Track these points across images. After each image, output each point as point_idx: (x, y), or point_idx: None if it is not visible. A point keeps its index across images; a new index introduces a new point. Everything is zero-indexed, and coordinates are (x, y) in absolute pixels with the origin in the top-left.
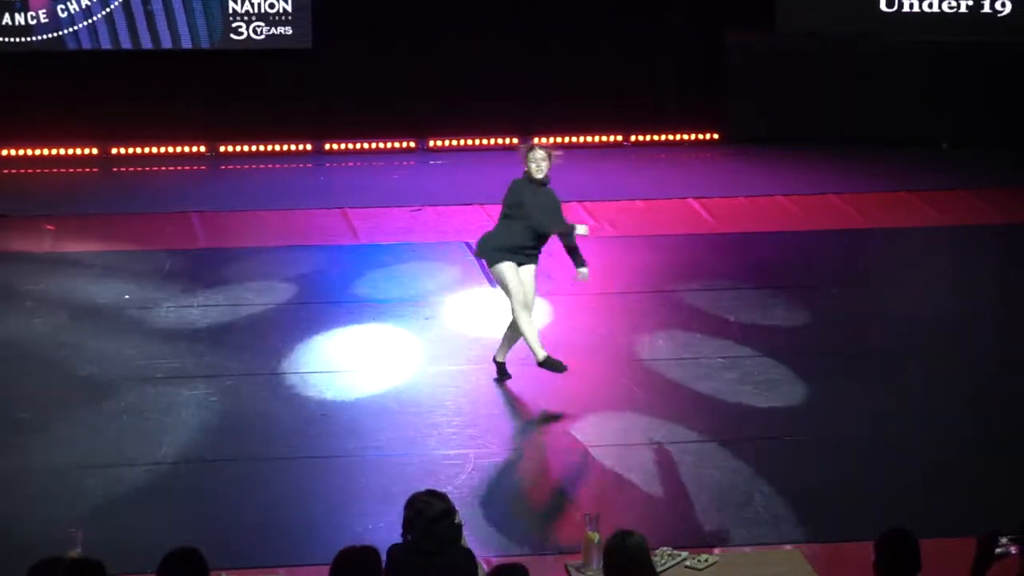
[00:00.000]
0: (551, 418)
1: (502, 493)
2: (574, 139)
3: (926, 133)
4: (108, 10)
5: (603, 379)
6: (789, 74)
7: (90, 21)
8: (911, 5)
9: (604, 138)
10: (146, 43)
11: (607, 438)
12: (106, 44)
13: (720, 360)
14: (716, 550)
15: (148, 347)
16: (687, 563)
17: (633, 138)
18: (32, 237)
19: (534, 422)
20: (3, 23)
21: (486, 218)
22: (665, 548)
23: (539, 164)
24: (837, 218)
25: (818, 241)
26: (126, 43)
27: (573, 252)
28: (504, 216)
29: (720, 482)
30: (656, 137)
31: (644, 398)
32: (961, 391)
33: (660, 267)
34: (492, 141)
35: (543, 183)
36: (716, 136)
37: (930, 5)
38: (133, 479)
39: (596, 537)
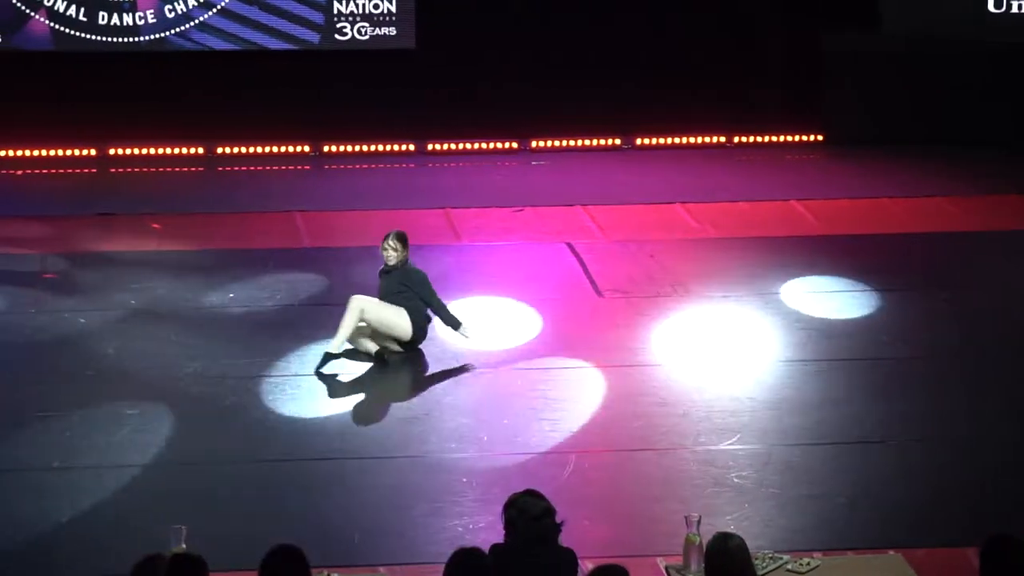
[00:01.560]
0: (654, 418)
1: (602, 493)
2: (677, 140)
3: None
4: (214, 11)
5: (706, 380)
6: (893, 75)
7: (196, 22)
8: (1020, 6)
9: (707, 139)
10: (250, 43)
11: (710, 439)
12: (212, 44)
13: (826, 362)
14: (817, 554)
15: (251, 345)
16: (788, 567)
17: (736, 139)
18: (137, 235)
19: (636, 423)
20: (111, 23)
21: (587, 219)
22: (766, 551)
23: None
24: (942, 220)
25: (922, 243)
26: (231, 43)
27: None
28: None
29: (824, 484)
30: (759, 138)
31: (749, 399)
32: None
33: (762, 269)
34: (595, 142)
35: (391, 269)
36: (820, 137)
37: None
38: (236, 476)
39: (697, 539)
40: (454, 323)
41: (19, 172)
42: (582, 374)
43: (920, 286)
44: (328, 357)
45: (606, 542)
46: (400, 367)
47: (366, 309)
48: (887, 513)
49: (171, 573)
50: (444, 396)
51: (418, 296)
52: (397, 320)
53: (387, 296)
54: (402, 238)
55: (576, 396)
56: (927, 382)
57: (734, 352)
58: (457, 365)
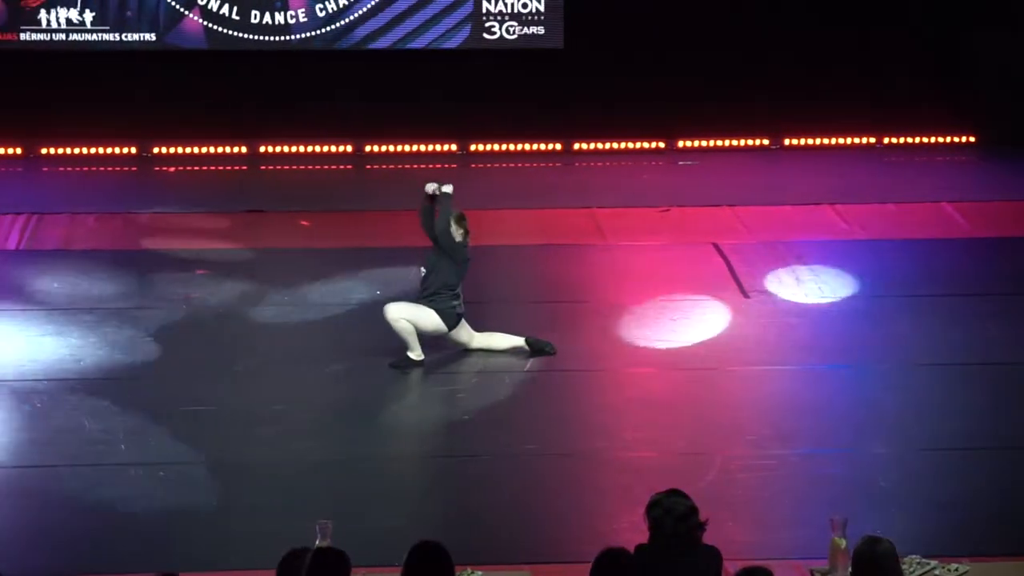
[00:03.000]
0: (798, 420)
1: (747, 495)
2: (825, 141)
3: None
4: (363, 10)
5: (850, 383)
6: None
7: (346, 21)
8: None
9: (856, 140)
10: (399, 43)
11: (856, 442)
12: (360, 44)
13: (974, 367)
14: (966, 560)
15: (394, 343)
16: (936, 572)
17: (886, 140)
18: (287, 232)
19: (779, 424)
20: (263, 22)
21: (734, 219)
22: (914, 556)
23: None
24: None
25: None
26: (379, 43)
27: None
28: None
29: (974, 489)
30: (909, 139)
31: (891, 404)
32: None
33: (913, 272)
34: (742, 142)
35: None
36: (972, 139)
37: None
38: (380, 473)
39: (843, 543)
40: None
41: (171, 169)
42: (726, 375)
43: None
44: (411, 363)
45: (750, 544)
46: (549, 365)
47: (404, 316)
48: None
49: (315, 568)
50: (589, 395)
51: (440, 238)
52: (429, 319)
53: (431, 270)
54: (461, 219)
55: (720, 397)
56: None
57: (880, 355)
58: (599, 365)
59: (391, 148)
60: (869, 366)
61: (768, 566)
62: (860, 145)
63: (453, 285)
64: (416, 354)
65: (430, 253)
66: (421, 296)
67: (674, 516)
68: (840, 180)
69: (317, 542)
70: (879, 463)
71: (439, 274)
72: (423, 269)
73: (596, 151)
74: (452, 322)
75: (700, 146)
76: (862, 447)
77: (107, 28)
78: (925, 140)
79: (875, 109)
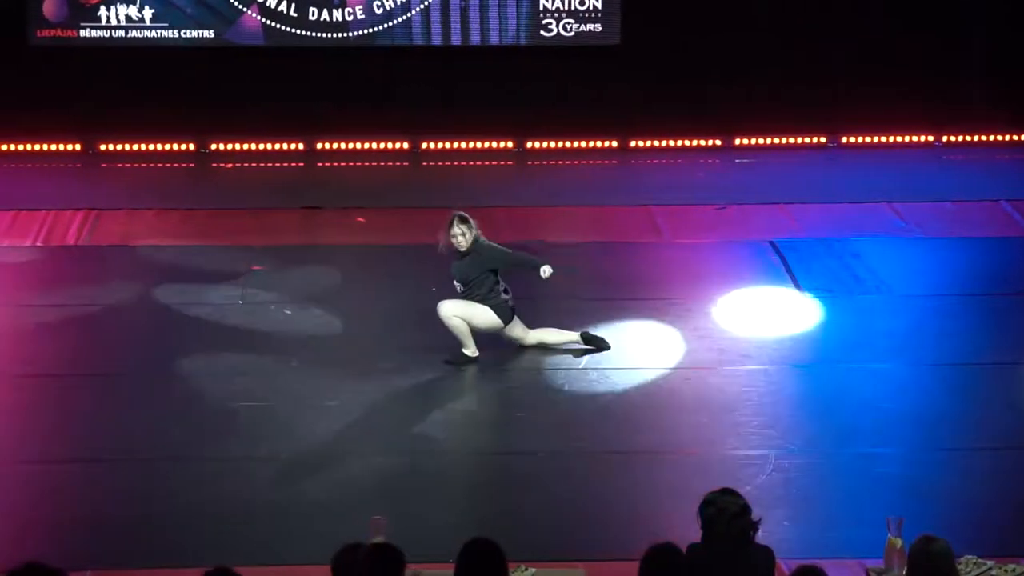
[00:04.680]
0: (855, 419)
1: (802, 494)
2: (883, 139)
3: None
4: (420, 7)
5: (907, 381)
6: None
7: (403, 18)
8: None
9: (914, 138)
10: (456, 39)
11: (915, 441)
12: (418, 41)
13: None
14: None
15: (449, 339)
16: (993, 572)
17: (945, 138)
18: (342, 229)
19: (836, 422)
20: (321, 19)
21: (790, 218)
22: (970, 556)
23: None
24: None
25: None
26: (437, 40)
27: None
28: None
29: None
30: (968, 137)
31: (948, 403)
32: None
33: (970, 271)
34: (800, 140)
35: (465, 254)
36: None
37: None
38: (435, 468)
39: (899, 543)
40: (535, 265)
41: (229, 165)
42: (782, 373)
43: None
44: (466, 359)
45: (805, 543)
46: (604, 362)
47: (457, 314)
48: None
49: (370, 563)
50: (643, 393)
51: (494, 268)
52: (484, 315)
53: (467, 282)
54: (465, 220)
55: (775, 395)
56: None
57: (937, 353)
58: (654, 363)
59: (447, 145)
60: (926, 365)
61: (823, 565)
62: (918, 143)
63: (497, 280)
64: (471, 351)
65: (459, 264)
66: (471, 297)
67: (727, 515)
68: (898, 178)
69: (371, 538)
70: (936, 462)
71: (481, 278)
72: (458, 284)
73: (653, 148)
74: (507, 316)
75: (757, 143)
76: (919, 446)
77: (166, 25)
78: (984, 138)
79: (934, 107)
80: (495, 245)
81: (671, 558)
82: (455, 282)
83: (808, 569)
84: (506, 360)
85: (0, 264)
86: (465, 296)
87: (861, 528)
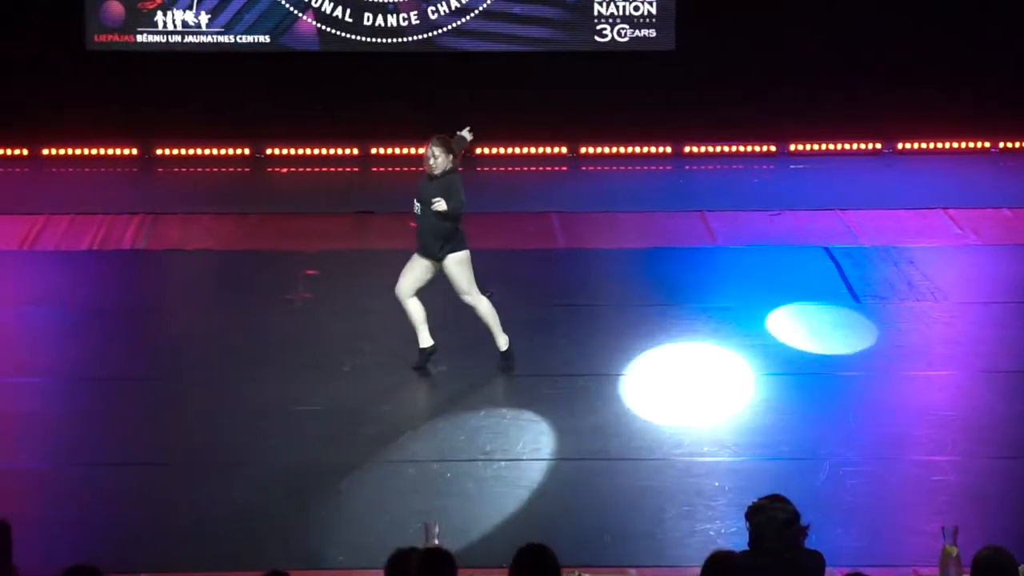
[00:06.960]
0: (910, 427)
1: (857, 502)
2: (939, 145)
3: None
4: (475, 13)
5: (963, 389)
6: None
7: (457, 24)
8: None
9: (971, 144)
10: (508, 45)
11: (967, 450)
12: (472, 47)
13: None
14: None
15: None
16: None
17: (1001, 144)
18: (395, 234)
19: (891, 430)
20: (376, 24)
21: (844, 224)
22: None
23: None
24: None
25: None
26: (491, 45)
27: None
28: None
29: None
30: None
31: (1004, 410)
32: None
33: None
34: (855, 146)
35: (435, 177)
36: None
37: None
38: (487, 474)
39: (955, 551)
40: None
41: (284, 170)
42: (837, 380)
43: None
44: (509, 358)
45: (858, 550)
46: (655, 368)
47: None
48: None
49: (422, 568)
50: (693, 400)
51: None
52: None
53: (424, 202)
54: (443, 143)
55: (829, 402)
56: None
57: (993, 361)
58: (707, 369)
59: (500, 151)
60: (982, 372)
61: (877, 573)
62: (975, 149)
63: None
64: (503, 341)
65: (426, 184)
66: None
67: (776, 522)
68: (954, 184)
69: (424, 542)
70: (992, 471)
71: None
72: (417, 204)
73: (707, 154)
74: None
75: (811, 149)
76: (975, 454)
77: (221, 30)
78: None
79: (990, 113)
80: (460, 187)
81: (731, 563)
82: (415, 199)
83: None
84: (552, 365)
85: (56, 268)
86: (421, 218)
87: (916, 536)
